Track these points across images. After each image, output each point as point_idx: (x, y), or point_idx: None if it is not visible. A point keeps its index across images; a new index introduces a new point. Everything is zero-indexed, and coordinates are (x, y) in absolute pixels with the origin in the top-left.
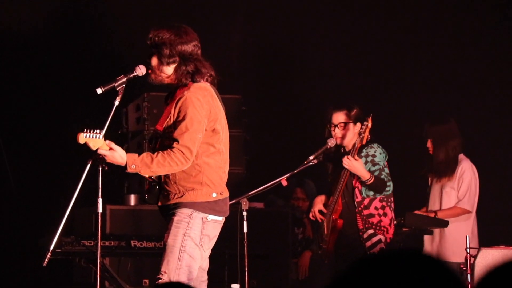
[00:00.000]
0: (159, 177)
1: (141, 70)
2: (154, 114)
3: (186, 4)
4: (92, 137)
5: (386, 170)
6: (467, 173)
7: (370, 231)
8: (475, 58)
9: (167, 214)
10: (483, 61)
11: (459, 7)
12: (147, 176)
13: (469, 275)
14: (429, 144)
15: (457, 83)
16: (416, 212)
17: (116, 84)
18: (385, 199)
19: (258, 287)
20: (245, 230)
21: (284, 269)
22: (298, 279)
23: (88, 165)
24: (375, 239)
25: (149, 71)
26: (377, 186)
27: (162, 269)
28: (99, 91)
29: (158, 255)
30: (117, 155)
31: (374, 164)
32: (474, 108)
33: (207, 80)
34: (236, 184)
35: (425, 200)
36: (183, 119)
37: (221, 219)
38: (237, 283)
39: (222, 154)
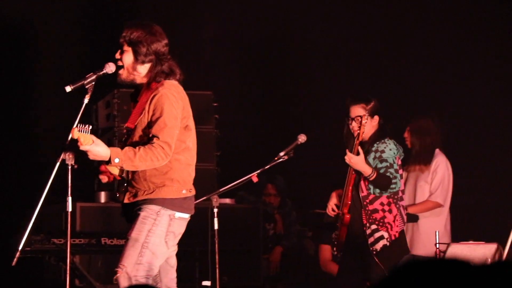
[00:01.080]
0: (127, 175)
1: (110, 68)
2: (124, 110)
3: None
4: (84, 132)
5: (395, 166)
6: (441, 167)
7: (373, 227)
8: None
9: (131, 210)
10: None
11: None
12: (117, 173)
13: None
14: (406, 134)
15: (441, 79)
16: None
17: (85, 82)
18: (392, 195)
19: (230, 283)
20: (216, 226)
21: (255, 265)
22: (269, 274)
23: (58, 163)
24: (377, 235)
25: (120, 71)
26: (380, 182)
27: (121, 263)
28: (68, 89)
29: None
30: (101, 149)
31: (381, 160)
32: (448, 105)
33: (177, 80)
34: (207, 180)
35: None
36: (161, 115)
37: (187, 216)
38: (208, 280)
39: (192, 151)
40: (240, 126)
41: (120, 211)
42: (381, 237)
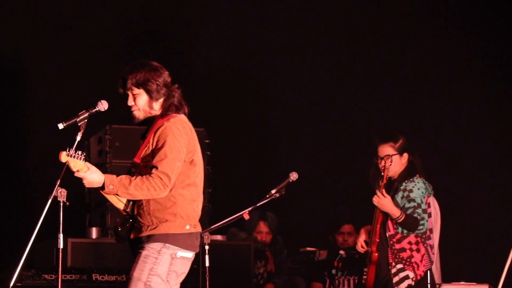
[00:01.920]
0: (132, 210)
1: (103, 106)
2: (116, 146)
3: (144, 33)
4: (74, 157)
5: (423, 206)
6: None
7: (399, 266)
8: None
9: (136, 247)
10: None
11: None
12: (121, 209)
13: None
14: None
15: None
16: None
17: (78, 119)
18: (420, 234)
19: None
20: (207, 264)
21: None
22: None
23: (50, 200)
24: (402, 274)
25: (135, 113)
26: (408, 224)
27: None
28: (60, 126)
29: None
30: (95, 176)
31: (409, 200)
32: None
33: (184, 113)
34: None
35: None
36: (162, 146)
37: (191, 255)
38: None
39: (197, 187)
40: (232, 163)
41: (111, 247)
42: (406, 277)
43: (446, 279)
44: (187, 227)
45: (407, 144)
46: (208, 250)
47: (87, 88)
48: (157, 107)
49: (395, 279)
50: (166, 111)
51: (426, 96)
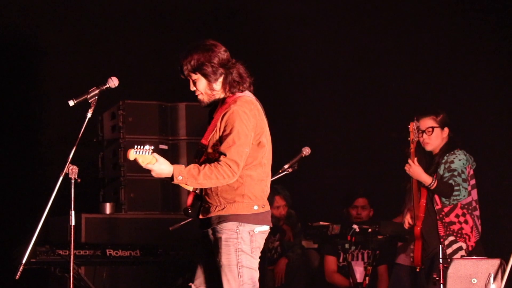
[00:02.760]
0: (201, 190)
1: (113, 82)
2: (130, 122)
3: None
4: (142, 153)
5: (464, 176)
6: None
7: (451, 238)
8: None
9: (207, 228)
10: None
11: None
12: (191, 189)
13: (442, 285)
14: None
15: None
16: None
17: (88, 96)
18: (466, 206)
19: None
20: None
21: (261, 277)
22: (275, 286)
23: (61, 178)
24: (455, 246)
25: (199, 98)
26: (441, 191)
27: None
28: (71, 103)
29: (133, 263)
30: (164, 167)
31: (449, 170)
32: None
33: (250, 86)
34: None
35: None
36: (230, 132)
37: (267, 228)
38: None
39: (265, 167)
40: None
41: (124, 222)
42: (460, 248)
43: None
44: (255, 207)
45: (448, 119)
46: None
47: (102, 64)
48: (218, 87)
49: (449, 251)
50: (230, 88)
51: (446, 70)
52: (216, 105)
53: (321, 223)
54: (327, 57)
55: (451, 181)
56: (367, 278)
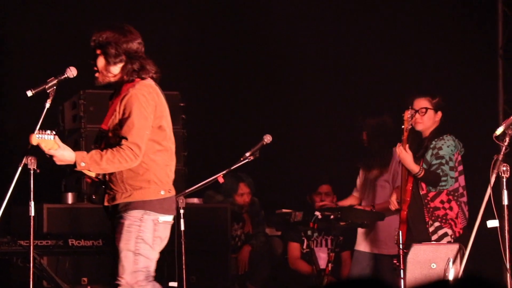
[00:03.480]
0: (103, 176)
1: (71, 72)
2: (91, 111)
3: None
4: (44, 137)
5: (451, 164)
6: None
7: (436, 224)
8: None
9: (114, 216)
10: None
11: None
12: (93, 175)
13: (402, 270)
14: (364, 137)
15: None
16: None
17: (46, 87)
18: (452, 192)
19: (198, 283)
20: (182, 227)
21: (224, 265)
22: (238, 274)
23: (20, 168)
24: (441, 232)
25: (96, 74)
26: (428, 180)
27: (119, 275)
28: (29, 93)
29: (96, 253)
30: (66, 153)
31: (437, 157)
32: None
33: (152, 78)
34: (175, 181)
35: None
36: (129, 116)
37: (171, 219)
38: (175, 281)
39: (169, 152)
40: (207, 126)
41: (86, 212)
42: (445, 234)
43: None
44: (162, 192)
45: (443, 103)
46: (184, 213)
47: (65, 54)
48: (115, 71)
49: (434, 237)
50: (128, 76)
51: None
52: (115, 92)
53: (284, 210)
54: (289, 44)
55: (439, 170)
56: (330, 264)
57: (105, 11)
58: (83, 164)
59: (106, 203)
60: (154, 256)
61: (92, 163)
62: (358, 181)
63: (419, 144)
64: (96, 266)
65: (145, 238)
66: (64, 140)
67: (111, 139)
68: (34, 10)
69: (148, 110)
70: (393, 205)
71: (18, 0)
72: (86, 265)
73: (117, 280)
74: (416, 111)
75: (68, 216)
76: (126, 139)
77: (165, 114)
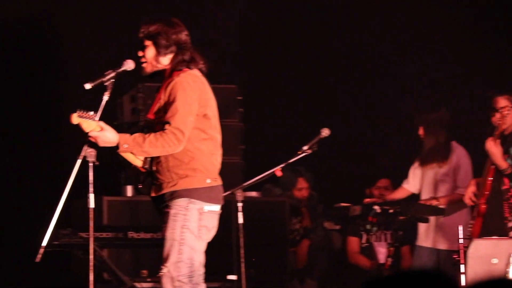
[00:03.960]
0: (150, 167)
1: (129, 65)
2: (149, 104)
3: None
4: (86, 118)
5: None
6: (463, 160)
7: None
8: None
9: (160, 205)
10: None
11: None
12: (140, 165)
13: (462, 265)
14: (420, 132)
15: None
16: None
17: (104, 79)
18: None
19: (257, 276)
20: (240, 221)
21: (283, 258)
22: (297, 268)
23: (79, 161)
24: None
25: (143, 65)
26: None
27: (163, 263)
28: (87, 86)
29: (156, 245)
30: (109, 135)
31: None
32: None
33: (200, 69)
34: (232, 174)
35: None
36: (173, 101)
37: (217, 209)
38: (234, 274)
39: (214, 141)
40: (265, 120)
41: (146, 204)
42: None
43: None
44: (208, 180)
45: None
46: (242, 207)
47: (122, 46)
48: (165, 62)
49: (511, 234)
50: (176, 66)
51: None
52: (162, 83)
53: (342, 204)
54: (347, 39)
55: None
56: (389, 259)
57: (164, 4)
58: (125, 146)
59: (153, 194)
60: (199, 246)
61: (134, 145)
62: (411, 173)
63: (503, 141)
64: (156, 258)
65: (190, 227)
66: (123, 133)
67: (157, 126)
68: (91, 2)
69: (192, 97)
70: (468, 199)
71: None
72: (145, 257)
73: (160, 268)
74: (497, 110)
75: (127, 208)
76: (170, 124)
77: (210, 103)
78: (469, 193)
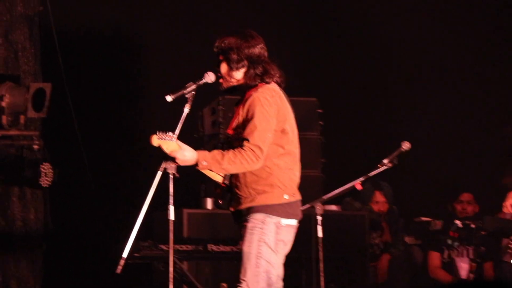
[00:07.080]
0: (230, 181)
1: (210, 77)
2: (230, 117)
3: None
4: (165, 139)
5: None
6: None
7: None
8: None
9: (239, 220)
10: None
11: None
12: (220, 181)
13: None
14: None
15: None
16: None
17: (185, 92)
18: None
19: None
20: (320, 234)
21: (362, 272)
22: (377, 282)
23: (159, 173)
24: None
25: (220, 80)
26: None
27: (241, 277)
28: (168, 98)
29: (235, 258)
30: (188, 154)
31: None
32: None
33: (276, 82)
34: (312, 187)
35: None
36: (252, 118)
37: (294, 223)
38: None
39: (292, 156)
40: (345, 133)
41: (226, 217)
42: None
43: None
44: (286, 196)
45: None
46: (321, 220)
47: (203, 59)
48: (238, 76)
49: None
50: (251, 81)
51: None
52: (241, 98)
53: (423, 218)
54: (428, 51)
55: None
56: (471, 274)
57: (246, 18)
58: (204, 163)
59: (232, 209)
60: (276, 260)
61: (213, 162)
62: None
63: None
64: (235, 271)
65: (267, 241)
66: (203, 145)
67: (235, 143)
68: (171, 15)
69: (270, 112)
70: (509, 209)
71: (155, 7)
72: (225, 270)
73: (239, 282)
74: None
75: (207, 221)
76: (248, 140)
77: (288, 118)
78: (507, 204)
